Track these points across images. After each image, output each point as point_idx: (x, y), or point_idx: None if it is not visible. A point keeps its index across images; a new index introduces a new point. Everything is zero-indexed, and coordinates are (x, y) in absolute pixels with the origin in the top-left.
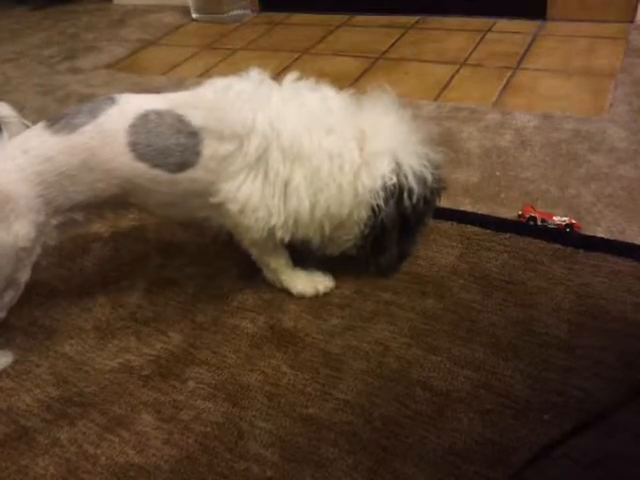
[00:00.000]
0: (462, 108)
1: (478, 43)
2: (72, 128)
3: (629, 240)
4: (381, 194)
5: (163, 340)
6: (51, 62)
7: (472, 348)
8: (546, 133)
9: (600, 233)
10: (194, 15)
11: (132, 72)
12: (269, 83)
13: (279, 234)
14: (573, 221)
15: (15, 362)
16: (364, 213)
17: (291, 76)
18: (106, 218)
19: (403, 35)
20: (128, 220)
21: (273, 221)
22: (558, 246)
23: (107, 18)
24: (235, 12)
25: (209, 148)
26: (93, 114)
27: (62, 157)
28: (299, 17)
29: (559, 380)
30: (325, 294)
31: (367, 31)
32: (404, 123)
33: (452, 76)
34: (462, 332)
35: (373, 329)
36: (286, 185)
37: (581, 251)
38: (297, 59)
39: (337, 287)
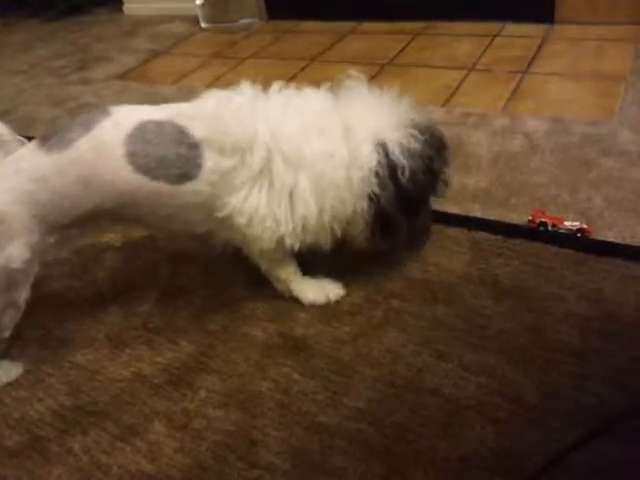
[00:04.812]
0: (471, 113)
1: (486, 48)
2: (65, 144)
3: None
4: (373, 180)
5: (174, 349)
6: (62, 73)
7: (483, 355)
8: (556, 137)
9: (612, 238)
10: (203, 25)
11: (143, 82)
12: (261, 95)
13: (288, 242)
14: (584, 226)
15: (28, 372)
16: (364, 204)
17: (276, 85)
18: (103, 230)
19: (411, 41)
20: (139, 230)
21: (282, 230)
22: (569, 251)
23: (117, 29)
24: (244, 21)
25: (210, 161)
26: (86, 128)
27: (56, 176)
28: (307, 25)
29: (572, 386)
30: (335, 302)
31: (375, 38)
32: (381, 101)
33: (461, 81)
34: (473, 339)
35: (383, 336)
36: (292, 193)
37: (592, 256)
38: (305, 67)
39: (347, 295)
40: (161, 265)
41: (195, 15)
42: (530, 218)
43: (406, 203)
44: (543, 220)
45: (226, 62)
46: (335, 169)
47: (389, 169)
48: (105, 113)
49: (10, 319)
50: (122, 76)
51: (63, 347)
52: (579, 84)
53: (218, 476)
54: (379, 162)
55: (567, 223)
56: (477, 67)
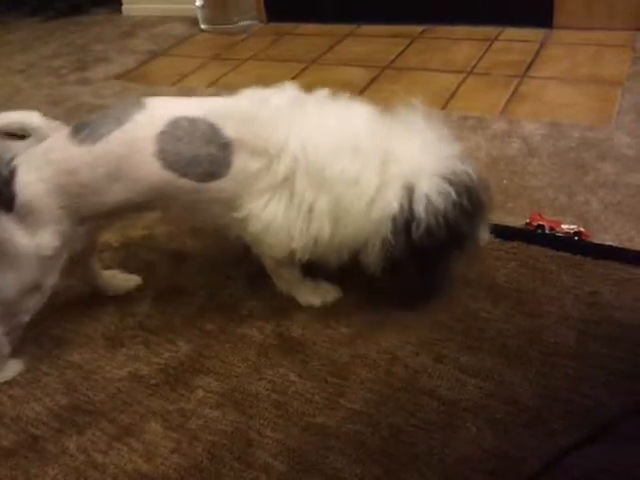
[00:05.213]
0: (469, 117)
1: (485, 52)
2: (97, 137)
3: (638, 248)
4: (389, 225)
5: (172, 349)
6: (61, 73)
7: (480, 357)
8: (553, 141)
9: (608, 241)
10: (202, 26)
11: (142, 83)
12: (303, 99)
13: (298, 255)
14: (581, 229)
15: (25, 370)
16: (378, 243)
17: (322, 92)
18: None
19: (410, 44)
20: (137, 229)
21: (295, 244)
22: (566, 254)
23: (116, 29)
24: (243, 23)
25: (240, 160)
26: (119, 121)
27: (86, 168)
28: (306, 27)
29: (568, 389)
30: (333, 303)
31: (374, 41)
32: (430, 140)
33: (459, 85)
34: (470, 341)
35: (381, 338)
36: (310, 210)
37: (589, 259)
38: (305, 69)
39: (345, 296)
40: (158, 265)
41: (194, 16)
42: (528, 221)
43: (417, 255)
44: (540, 223)
45: (225, 63)
46: (357, 197)
47: (405, 220)
48: (139, 105)
49: (34, 303)
50: (121, 76)
51: (60, 346)
52: (577, 88)
53: (214, 476)
54: (402, 207)
55: (564, 226)
56: (475, 71)
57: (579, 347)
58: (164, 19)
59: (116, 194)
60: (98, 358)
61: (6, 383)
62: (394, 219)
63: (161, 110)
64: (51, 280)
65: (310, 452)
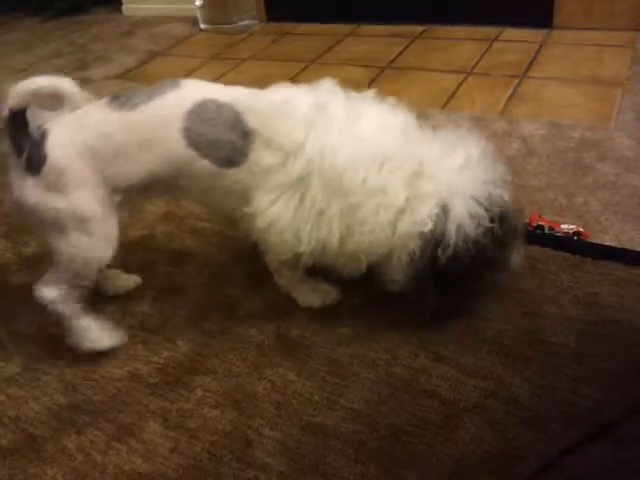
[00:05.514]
0: (469, 117)
1: (485, 52)
2: (132, 106)
3: (637, 248)
4: (417, 241)
5: (171, 348)
6: (61, 73)
7: (480, 357)
8: (553, 141)
9: (608, 241)
10: (202, 26)
11: (142, 82)
12: (336, 100)
13: (304, 259)
14: (581, 229)
15: (24, 370)
16: (404, 258)
17: (369, 92)
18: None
19: (410, 44)
20: (137, 229)
21: (302, 248)
22: (566, 254)
23: (116, 29)
24: (243, 22)
25: (256, 153)
26: (153, 95)
27: (120, 134)
28: (306, 27)
29: (568, 389)
30: (333, 303)
31: (374, 40)
32: (473, 163)
33: (459, 85)
34: (470, 341)
35: (381, 338)
36: (320, 214)
37: (589, 259)
38: (305, 68)
39: (345, 296)
40: (158, 265)
41: (194, 16)
42: (527, 221)
43: (440, 275)
44: (540, 223)
45: (225, 63)
46: (384, 207)
47: (435, 239)
48: (174, 84)
49: (92, 268)
50: (121, 76)
51: (59, 345)
52: (576, 89)
53: (213, 476)
54: (435, 226)
55: (564, 226)
56: (475, 71)
57: (578, 347)
58: (164, 19)
59: (145, 165)
60: (97, 357)
61: (5, 382)
62: (423, 235)
63: (192, 91)
64: (105, 250)
65: (309, 452)
